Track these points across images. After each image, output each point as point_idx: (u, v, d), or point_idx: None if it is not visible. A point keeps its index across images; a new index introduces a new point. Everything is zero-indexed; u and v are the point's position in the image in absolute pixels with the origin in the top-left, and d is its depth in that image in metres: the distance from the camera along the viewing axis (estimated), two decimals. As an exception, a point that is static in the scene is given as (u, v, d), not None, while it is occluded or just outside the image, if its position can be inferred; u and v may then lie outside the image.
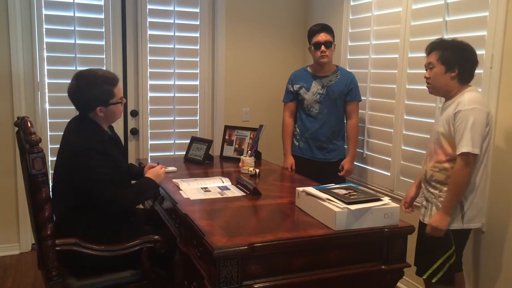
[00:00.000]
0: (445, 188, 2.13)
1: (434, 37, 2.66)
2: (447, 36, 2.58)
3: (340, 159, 3.23)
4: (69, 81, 3.40)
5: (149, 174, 2.27)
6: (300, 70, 3.32)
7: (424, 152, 2.73)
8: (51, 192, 2.14)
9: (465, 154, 2.01)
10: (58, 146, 3.37)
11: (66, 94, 3.37)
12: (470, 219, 2.14)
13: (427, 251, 2.21)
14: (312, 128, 3.17)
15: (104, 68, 3.53)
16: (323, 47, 3.06)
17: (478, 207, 2.15)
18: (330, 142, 3.19)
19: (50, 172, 2.80)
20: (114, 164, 2.10)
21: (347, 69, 3.49)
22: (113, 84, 2.14)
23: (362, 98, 3.28)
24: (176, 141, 3.82)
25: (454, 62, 2.13)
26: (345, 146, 3.30)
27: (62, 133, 2.20)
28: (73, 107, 3.40)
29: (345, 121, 3.26)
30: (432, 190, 2.20)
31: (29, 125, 1.93)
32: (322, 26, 3.14)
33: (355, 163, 3.36)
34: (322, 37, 3.08)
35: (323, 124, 3.16)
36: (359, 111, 3.33)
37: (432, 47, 2.20)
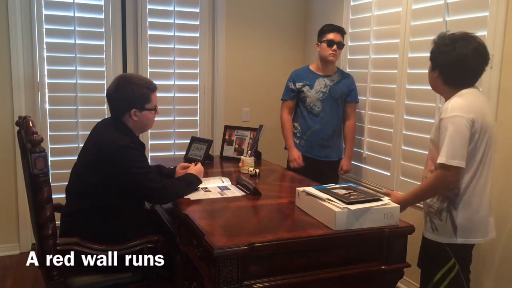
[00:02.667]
0: (436, 199, 2.03)
1: (434, 37, 2.67)
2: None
3: (339, 159, 3.29)
4: (69, 81, 3.45)
5: (192, 170, 2.43)
6: (302, 69, 3.33)
7: (424, 152, 2.74)
8: (65, 190, 2.20)
9: (442, 166, 1.88)
10: (59, 146, 3.46)
11: (66, 94, 3.46)
12: (467, 234, 1.97)
13: (427, 265, 2.12)
14: (314, 127, 3.19)
15: (104, 68, 3.54)
16: (335, 46, 3.10)
17: (478, 220, 1.97)
18: (331, 141, 3.22)
19: (50, 172, 2.79)
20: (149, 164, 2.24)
21: (347, 70, 3.50)
22: (151, 90, 2.19)
23: (362, 98, 3.30)
24: (176, 141, 3.82)
25: (435, 62, 2.00)
26: (342, 146, 3.33)
27: (88, 133, 2.24)
28: (73, 107, 3.47)
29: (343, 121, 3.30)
30: (427, 200, 2.11)
31: (31, 124, 1.93)
32: (338, 27, 3.18)
33: (354, 162, 3.37)
34: (338, 37, 3.12)
35: (325, 123, 3.18)
36: (359, 110, 3.35)
37: (433, 39, 2.05)
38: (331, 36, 3.11)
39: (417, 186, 2.05)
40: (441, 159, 1.87)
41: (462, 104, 1.90)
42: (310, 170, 3.03)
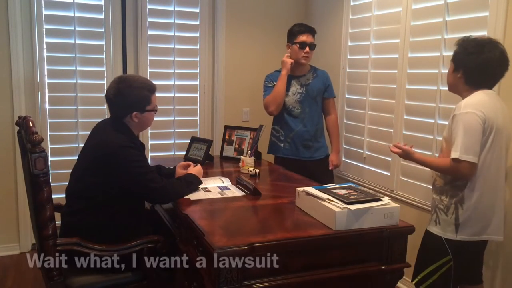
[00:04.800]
0: (444, 196, 2.08)
1: (434, 37, 2.68)
2: (447, 36, 2.58)
3: (326, 156, 3.27)
4: (69, 81, 3.46)
5: (191, 171, 2.44)
6: (274, 73, 3.26)
7: (424, 152, 2.74)
8: (65, 190, 2.20)
9: (455, 160, 1.94)
10: (58, 146, 3.46)
11: (66, 94, 3.46)
12: (470, 232, 2.02)
13: (422, 257, 2.17)
14: (296, 128, 3.18)
15: (104, 68, 3.53)
16: (307, 48, 3.08)
17: (484, 220, 2.02)
18: (315, 140, 3.21)
19: (50, 172, 2.79)
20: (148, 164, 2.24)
21: (347, 69, 3.50)
22: (152, 91, 2.20)
23: (362, 98, 3.29)
24: (176, 141, 3.82)
25: (459, 62, 2.06)
26: (327, 143, 3.32)
27: (89, 133, 2.24)
28: (73, 107, 3.47)
29: (323, 118, 3.29)
30: (434, 196, 2.16)
31: (31, 124, 1.93)
32: (309, 27, 3.14)
33: (354, 162, 3.37)
34: (309, 38, 3.10)
35: (307, 123, 3.17)
36: (359, 110, 3.35)
37: (457, 41, 2.12)
38: (303, 38, 3.08)
39: (434, 158, 2.19)
40: (454, 154, 1.94)
41: (475, 102, 1.98)
42: (298, 171, 3.00)
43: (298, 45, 3.09)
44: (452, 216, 2.04)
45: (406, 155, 2.21)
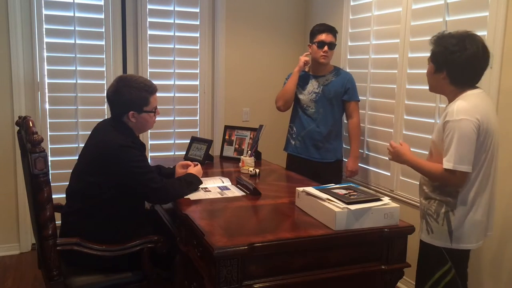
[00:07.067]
0: (433, 201, 1.99)
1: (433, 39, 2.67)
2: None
3: (336, 160, 3.22)
4: (69, 81, 3.46)
5: (192, 171, 2.45)
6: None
7: (424, 152, 2.74)
8: (65, 190, 2.20)
9: (449, 171, 1.84)
10: (58, 146, 3.46)
11: (66, 94, 3.46)
12: (464, 239, 1.93)
13: (423, 268, 2.08)
14: (309, 127, 3.17)
15: (104, 68, 3.53)
16: (326, 48, 3.06)
17: (474, 226, 1.93)
18: (327, 142, 3.17)
19: (50, 172, 2.79)
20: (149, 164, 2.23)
21: (347, 69, 3.50)
22: (150, 92, 2.19)
23: (362, 98, 3.28)
24: (176, 141, 3.82)
25: (441, 62, 1.93)
26: (344, 146, 3.30)
27: (89, 133, 2.24)
28: (73, 107, 3.47)
29: (345, 121, 3.26)
30: (423, 201, 2.07)
31: (31, 124, 1.93)
32: (329, 27, 3.13)
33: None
34: (328, 37, 3.08)
35: (319, 124, 3.15)
36: (360, 111, 3.34)
37: (432, 40, 1.99)
38: (322, 37, 3.07)
39: (426, 162, 2.01)
40: (447, 165, 1.84)
41: (468, 107, 1.86)
42: (307, 171, 2.99)
43: (316, 45, 3.08)
44: (444, 223, 1.95)
45: (397, 157, 2.09)
